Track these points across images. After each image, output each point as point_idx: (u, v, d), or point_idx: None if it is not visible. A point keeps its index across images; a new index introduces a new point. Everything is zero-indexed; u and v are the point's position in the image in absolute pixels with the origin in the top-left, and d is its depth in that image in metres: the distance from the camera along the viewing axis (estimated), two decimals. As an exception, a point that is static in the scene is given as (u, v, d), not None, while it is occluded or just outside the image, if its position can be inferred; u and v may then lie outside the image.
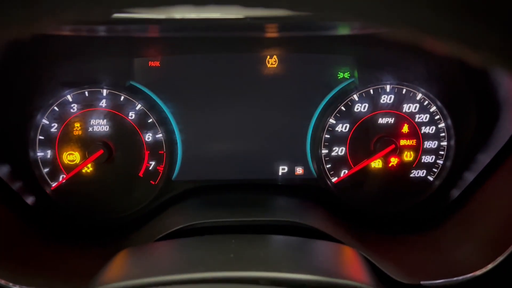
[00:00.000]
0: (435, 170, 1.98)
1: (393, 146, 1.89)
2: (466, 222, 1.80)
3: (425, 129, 1.94)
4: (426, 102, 1.92)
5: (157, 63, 1.91)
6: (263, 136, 1.99)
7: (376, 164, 1.97)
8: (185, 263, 1.23)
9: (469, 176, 1.88)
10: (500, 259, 1.40)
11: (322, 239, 1.55)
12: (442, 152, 1.96)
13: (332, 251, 1.44)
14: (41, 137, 1.89)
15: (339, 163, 1.97)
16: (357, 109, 1.92)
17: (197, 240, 1.40)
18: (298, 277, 1.14)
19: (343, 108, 1.92)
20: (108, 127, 1.90)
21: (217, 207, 1.83)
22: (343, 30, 1.64)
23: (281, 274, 1.14)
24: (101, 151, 1.85)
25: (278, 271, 1.15)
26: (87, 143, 1.89)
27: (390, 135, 1.92)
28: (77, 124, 1.89)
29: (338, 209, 1.94)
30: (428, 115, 1.93)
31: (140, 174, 1.95)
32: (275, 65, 1.93)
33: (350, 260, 1.40)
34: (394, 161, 1.96)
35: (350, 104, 1.92)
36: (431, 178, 1.98)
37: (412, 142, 1.95)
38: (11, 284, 1.38)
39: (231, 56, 1.91)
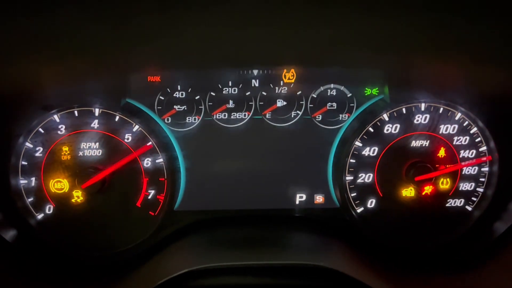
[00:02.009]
0: (474, 199, 1.73)
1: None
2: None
3: (464, 153, 1.70)
4: (466, 123, 1.68)
5: (157, 78, 1.67)
6: (278, 160, 1.74)
7: (408, 192, 1.72)
8: None
9: None
10: None
11: (349, 284, 1.33)
12: (482, 179, 1.72)
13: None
14: (24, 163, 1.66)
15: (365, 191, 1.73)
16: (387, 130, 1.67)
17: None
18: None
19: (371, 130, 1.67)
20: (101, 151, 1.66)
21: (226, 245, 1.58)
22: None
23: None
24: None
25: None
26: (77, 170, 1.65)
27: (425, 160, 1.67)
28: (65, 148, 1.65)
29: (363, 244, 1.70)
30: (467, 137, 1.69)
31: (138, 204, 1.71)
32: (292, 80, 1.68)
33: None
34: (428, 189, 1.71)
35: (379, 124, 1.67)
36: (469, 208, 1.74)
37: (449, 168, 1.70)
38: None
39: (244, 71, 1.67)
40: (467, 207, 1.74)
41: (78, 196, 1.69)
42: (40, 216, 1.70)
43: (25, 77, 1.41)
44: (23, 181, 1.66)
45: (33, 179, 1.67)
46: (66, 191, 1.68)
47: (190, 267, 1.36)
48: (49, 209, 1.70)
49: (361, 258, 1.58)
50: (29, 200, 1.68)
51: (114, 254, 1.73)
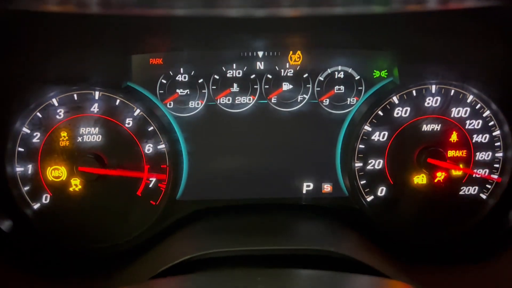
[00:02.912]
0: (489, 187, 1.67)
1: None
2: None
3: (477, 138, 1.65)
4: (478, 106, 1.62)
5: (160, 60, 1.62)
6: (284, 147, 1.69)
7: (420, 180, 1.65)
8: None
9: None
10: None
11: (361, 271, 1.26)
12: (497, 165, 1.66)
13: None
14: (20, 149, 1.59)
15: (375, 178, 1.66)
16: (397, 114, 1.62)
17: (215, 276, 1.09)
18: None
19: (380, 113, 1.62)
20: (100, 136, 1.60)
21: (231, 233, 1.53)
22: (379, 7, 1.33)
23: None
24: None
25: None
26: (76, 156, 1.59)
27: (436, 145, 1.61)
28: (63, 133, 1.59)
29: (374, 234, 1.63)
30: (480, 121, 1.64)
31: (139, 193, 1.64)
32: (298, 62, 1.64)
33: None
34: (440, 176, 1.65)
35: (388, 108, 1.62)
36: (484, 196, 1.68)
37: (462, 153, 1.65)
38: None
39: (248, 52, 1.63)
40: (481, 195, 1.67)
41: (76, 184, 1.62)
42: (36, 205, 1.63)
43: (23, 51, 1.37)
44: (19, 169, 1.60)
45: (30, 166, 1.61)
46: (63, 179, 1.62)
47: (193, 253, 1.30)
48: (45, 198, 1.63)
49: (371, 246, 1.51)
50: (25, 188, 1.62)
51: (113, 245, 1.66)
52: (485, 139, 1.65)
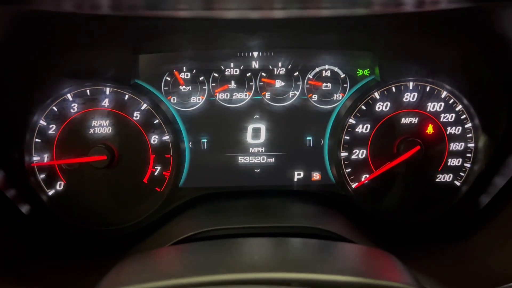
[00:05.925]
0: (463, 174, 1.83)
1: (418, 147, 1.74)
2: (500, 230, 1.65)
3: (450, 130, 1.81)
4: (451, 101, 1.79)
5: (164, 59, 1.79)
6: (276, 139, 1.86)
7: (399, 168, 1.81)
8: (203, 265, 1.07)
9: (499, 181, 1.74)
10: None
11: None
12: (469, 155, 1.82)
13: (368, 254, 1.28)
14: (37, 140, 1.74)
15: (359, 167, 1.83)
16: (379, 108, 1.79)
17: (212, 244, 1.24)
18: (335, 279, 0.98)
19: (363, 107, 1.79)
20: (111, 128, 1.76)
21: (229, 214, 1.67)
22: (362, 9, 1.50)
23: (315, 275, 0.99)
24: (104, 157, 1.71)
25: (311, 272, 1.00)
26: (88, 146, 1.73)
27: (414, 136, 1.78)
28: (77, 125, 1.74)
29: (359, 218, 1.78)
30: (453, 115, 1.80)
31: (145, 180, 1.79)
32: (290, 62, 1.81)
33: (384, 261, 1.24)
34: (418, 164, 1.81)
35: (370, 102, 1.79)
36: (458, 183, 1.84)
37: (438, 144, 1.81)
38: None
39: (244, 53, 1.80)
40: (455, 182, 1.84)
41: (88, 172, 1.77)
42: (51, 192, 1.77)
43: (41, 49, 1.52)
44: (36, 158, 1.74)
45: (46, 156, 1.75)
46: (76, 167, 1.76)
47: (193, 231, 1.44)
48: (59, 185, 1.77)
49: (357, 226, 1.66)
50: (41, 176, 1.76)
51: (121, 228, 1.80)
52: (458, 131, 1.80)
